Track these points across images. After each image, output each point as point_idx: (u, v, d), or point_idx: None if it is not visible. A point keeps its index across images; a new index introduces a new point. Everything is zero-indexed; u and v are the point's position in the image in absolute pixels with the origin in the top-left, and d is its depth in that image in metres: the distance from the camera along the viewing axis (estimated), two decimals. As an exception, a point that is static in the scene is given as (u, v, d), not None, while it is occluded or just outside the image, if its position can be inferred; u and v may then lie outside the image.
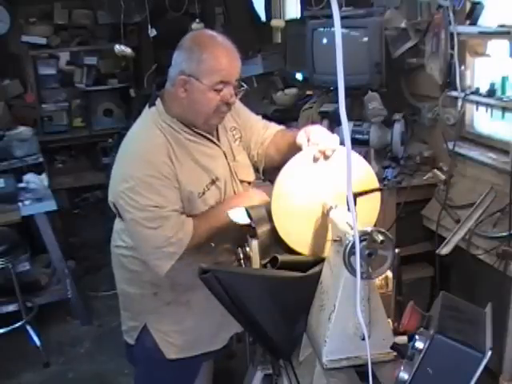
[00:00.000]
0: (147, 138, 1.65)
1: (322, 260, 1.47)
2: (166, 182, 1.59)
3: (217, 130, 1.75)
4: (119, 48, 3.94)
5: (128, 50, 3.94)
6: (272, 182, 1.59)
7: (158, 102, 1.68)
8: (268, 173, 1.89)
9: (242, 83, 1.67)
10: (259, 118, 1.92)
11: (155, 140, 1.62)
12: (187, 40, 1.61)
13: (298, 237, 1.53)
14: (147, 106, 1.71)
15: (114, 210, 1.68)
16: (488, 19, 2.41)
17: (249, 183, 1.82)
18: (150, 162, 1.59)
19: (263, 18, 3.41)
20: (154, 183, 1.58)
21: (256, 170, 1.90)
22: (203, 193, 1.66)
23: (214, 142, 1.71)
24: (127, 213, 1.62)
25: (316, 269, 1.47)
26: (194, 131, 1.66)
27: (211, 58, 1.55)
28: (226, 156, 1.74)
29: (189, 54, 1.57)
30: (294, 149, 1.61)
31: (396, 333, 1.32)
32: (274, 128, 1.90)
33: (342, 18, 0.87)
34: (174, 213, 1.61)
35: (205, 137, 1.69)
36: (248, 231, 1.56)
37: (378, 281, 1.40)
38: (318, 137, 1.55)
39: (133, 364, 2.00)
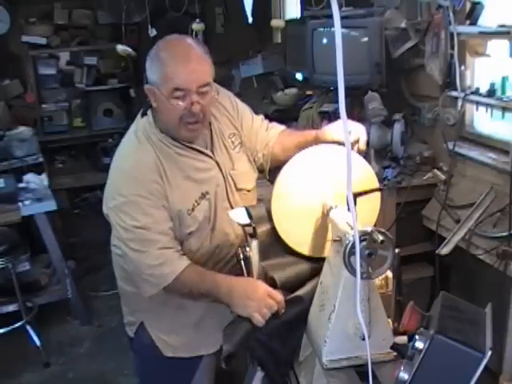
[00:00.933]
0: (137, 153, 1.62)
1: (318, 272, 1.47)
2: (153, 201, 1.56)
3: (211, 139, 1.71)
4: (122, 47, 3.95)
5: (131, 50, 3.96)
6: (272, 182, 1.59)
7: (149, 113, 1.66)
8: (271, 174, 1.88)
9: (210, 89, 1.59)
10: (261, 117, 1.91)
11: (145, 156, 1.60)
12: (152, 50, 1.59)
13: (298, 237, 1.53)
14: (139, 115, 1.69)
15: (107, 219, 1.68)
16: (488, 19, 2.41)
17: (248, 191, 1.79)
18: (137, 179, 1.57)
19: (250, 19, 3.42)
20: (141, 202, 1.55)
21: (261, 171, 1.88)
22: (192, 209, 1.62)
23: (206, 154, 1.68)
24: (115, 230, 1.62)
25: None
26: (184, 145, 1.64)
27: (165, 66, 1.52)
28: (219, 166, 1.70)
29: (150, 64, 1.57)
30: (302, 148, 1.61)
31: (396, 333, 1.32)
32: (278, 128, 1.89)
33: (342, 18, 0.87)
34: (162, 237, 1.57)
35: (195, 149, 1.65)
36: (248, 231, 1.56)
37: (377, 281, 1.40)
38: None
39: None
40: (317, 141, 1.68)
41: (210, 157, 1.69)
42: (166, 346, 1.78)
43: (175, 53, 1.55)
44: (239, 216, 1.60)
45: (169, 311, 1.76)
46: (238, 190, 1.75)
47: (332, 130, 1.66)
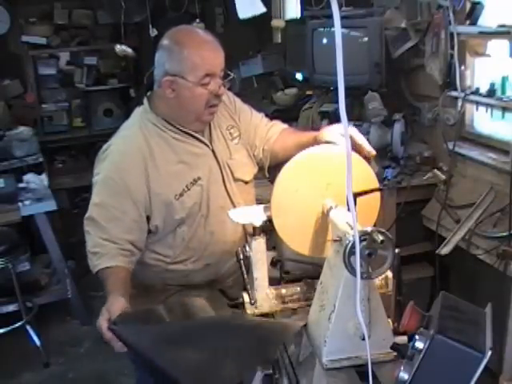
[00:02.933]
0: (125, 139, 1.66)
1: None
2: (121, 189, 1.58)
3: (209, 130, 1.73)
4: (120, 48, 3.94)
5: (129, 50, 3.95)
6: (272, 182, 1.59)
7: (145, 101, 1.70)
8: (270, 172, 1.88)
9: (229, 72, 1.68)
10: (262, 115, 1.91)
11: (132, 144, 1.63)
12: (166, 39, 1.61)
13: (298, 237, 1.53)
14: (137, 107, 1.73)
15: None
16: (488, 19, 2.41)
17: (246, 182, 1.80)
18: (116, 164, 1.60)
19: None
20: (111, 185, 1.59)
21: (261, 168, 1.88)
22: (181, 194, 1.63)
23: (202, 141, 1.70)
24: None
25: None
26: (180, 130, 1.66)
27: (192, 54, 1.56)
28: (215, 154, 1.71)
29: (170, 54, 1.58)
30: (301, 148, 1.61)
31: (396, 333, 1.32)
32: (280, 126, 1.89)
33: (342, 17, 0.87)
34: (112, 229, 1.55)
35: (191, 135, 1.68)
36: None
37: (377, 281, 1.40)
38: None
39: (135, 364, 1.99)
40: (316, 143, 1.68)
41: (207, 145, 1.70)
42: None
43: (196, 41, 1.59)
44: (239, 216, 1.60)
45: None
46: (236, 179, 1.76)
47: (329, 131, 1.63)
